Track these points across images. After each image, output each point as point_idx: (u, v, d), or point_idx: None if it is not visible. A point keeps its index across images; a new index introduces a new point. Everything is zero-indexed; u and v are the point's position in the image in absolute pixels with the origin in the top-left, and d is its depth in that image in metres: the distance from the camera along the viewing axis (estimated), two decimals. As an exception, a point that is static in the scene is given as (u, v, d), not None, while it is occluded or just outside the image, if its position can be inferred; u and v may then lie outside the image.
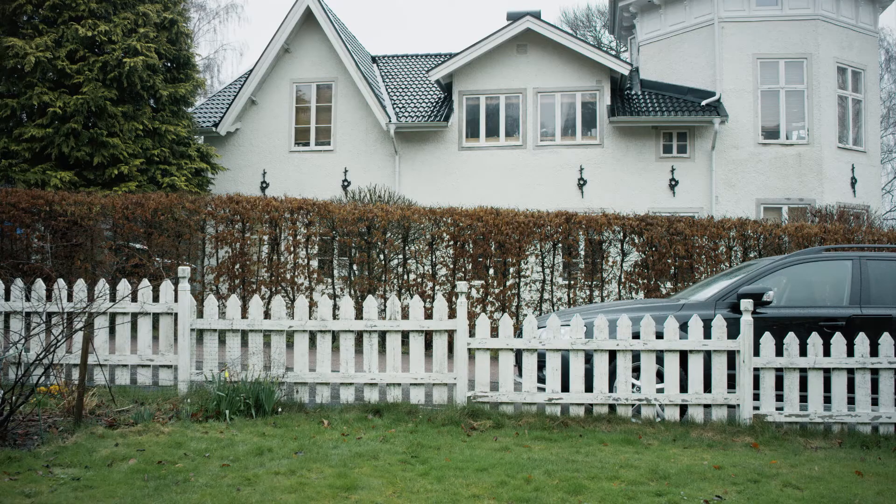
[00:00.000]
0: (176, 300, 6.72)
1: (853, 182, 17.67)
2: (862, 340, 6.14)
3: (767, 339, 6.14)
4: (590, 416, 6.19)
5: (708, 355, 6.24)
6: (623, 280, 12.03)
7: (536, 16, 17.75)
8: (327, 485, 4.24)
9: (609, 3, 21.82)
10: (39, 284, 6.84)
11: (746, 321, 6.10)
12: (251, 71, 18.76)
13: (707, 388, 6.25)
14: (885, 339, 6.13)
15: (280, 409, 6.04)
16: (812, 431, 6.06)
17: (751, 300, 6.16)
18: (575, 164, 17.73)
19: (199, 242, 12.46)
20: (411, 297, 10.76)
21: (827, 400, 6.21)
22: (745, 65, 17.52)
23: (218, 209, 12.28)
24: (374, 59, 21.78)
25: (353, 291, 11.94)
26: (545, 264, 12.04)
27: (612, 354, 6.34)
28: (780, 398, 6.22)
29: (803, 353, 6.22)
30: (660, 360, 6.32)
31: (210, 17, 33.49)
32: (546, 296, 12.03)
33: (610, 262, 12.16)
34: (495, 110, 18.20)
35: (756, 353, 6.17)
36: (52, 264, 11.42)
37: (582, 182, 17.62)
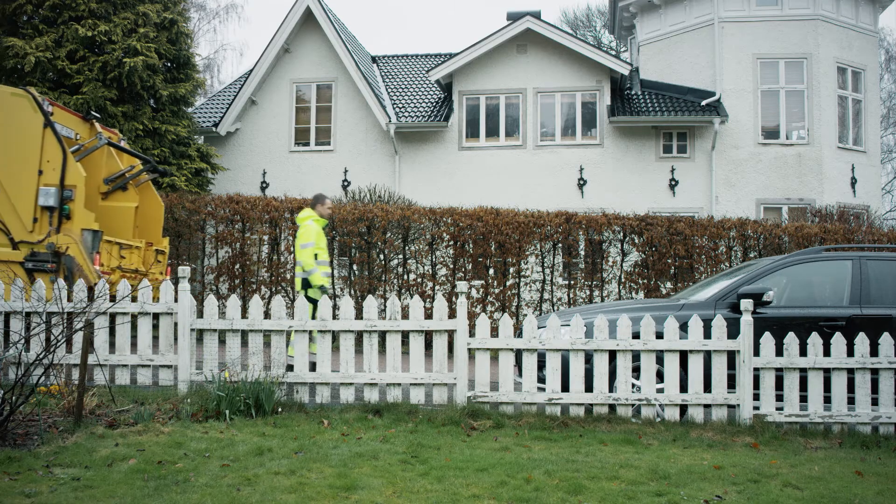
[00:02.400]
0: (176, 300, 6.73)
1: (853, 182, 17.67)
2: (862, 340, 6.14)
3: (767, 339, 6.14)
4: (590, 416, 6.19)
5: (708, 355, 6.24)
6: (623, 280, 12.03)
7: (536, 16, 17.75)
8: (327, 485, 4.24)
9: (609, 3, 21.82)
10: (39, 284, 6.84)
11: (746, 321, 6.10)
12: (251, 71, 18.76)
13: (707, 388, 6.24)
14: (885, 339, 6.13)
15: (280, 409, 6.04)
16: (812, 431, 6.06)
17: (751, 300, 6.16)
18: (575, 164, 17.73)
19: (199, 242, 12.47)
20: (411, 297, 10.76)
21: (827, 400, 6.21)
22: (745, 65, 17.52)
23: (218, 209, 12.29)
24: (374, 59, 21.78)
25: (353, 291, 11.95)
26: (545, 264, 12.05)
27: (612, 354, 6.34)
28: (780, 398, 6.22)
29: (803, 353, 6.22)
30: (660, 360, 6.32)
31: (210, 17, 33.49)
32: (546, 296, 12.03)
33: (610, 262, 12.16)
34: (495, 110, 18.20)
35: (756, 353, 6.17)
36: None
37: (582, 182, 17.62)
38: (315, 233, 8.19)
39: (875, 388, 6.21)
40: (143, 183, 10.60)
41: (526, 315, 11.51)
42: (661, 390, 6.25)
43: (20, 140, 9.00)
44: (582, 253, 12.27)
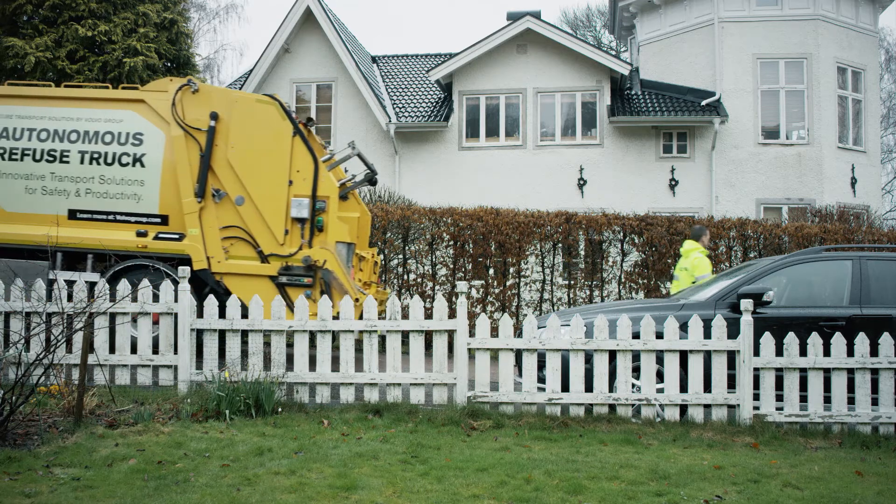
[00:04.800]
0: (176, 300, 6.73)
1: (853, 182, 17.67)
2: (862, 340, 6.14)
3: (767, 339, 6.14)
4: (590, 416, 6.19)
5: (708, 355, 6.24)
6: (623, 280, 12.03)
7: (536, 16, 17.75)
8: (327, 485, 4.24)
9: (609, 3, 21.82)
10: (39, 284, 6.84)
11: (746, 321, 6.10)
12: (251, 71, 18.76)
13: (707, 388, 6.24)
14: (885, 339, 6.13)
15: (280, 409, 6.04)
16: (812, 431, 6.06)
17: (751, 300, 6.16)
18: (575, 164, 17.73)
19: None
20: (411, 297, 10.75)
21: (827, 400, 6.20)
22: (745, 65, 17.51)
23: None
24: (374, 59, 21.78)
25: (353, 291, 11.93)
26: (545, 264, 12.04)
27: (612, 354, 6.33)
28: (780, 398, 6.21)
29: (803, 353, 6.21)
30: (660, 360, 6.32)
31: (210, 17, 33.46)
32: (546, 296, 12.03)
33: (610, 262, 12.16)
34: (495, 110, 18.19)
35: (756, 353, 6.16)
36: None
37: (582, 182, 17.62)
38: (708, 266, 8.88)
39: (875, 388, 6.20)
40: (354, 189, 10.18)
41: (526, 315, 11.51)
42: (661, 390, 6.25)
43: (268, 150, 8.59)
44: (582, 253, 12.26)
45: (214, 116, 8.71)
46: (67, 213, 8.88)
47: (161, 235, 8.75)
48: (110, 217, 8.84)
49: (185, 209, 8.65)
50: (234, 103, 8.80)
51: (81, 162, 8.86)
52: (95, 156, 8.84)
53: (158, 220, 8.81)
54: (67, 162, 8.87)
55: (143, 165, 8.80)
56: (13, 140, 8.97)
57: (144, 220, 8.81)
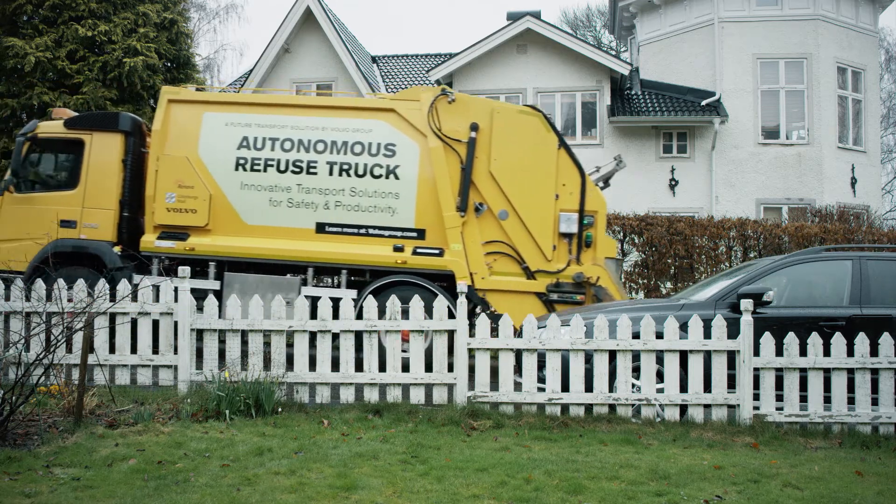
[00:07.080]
0: (176, 300, 6.73)
1: (853, 182, 17.66)
2: (862, 340, 6.14)
3: (767, 339, 6.14)
4: (590, 416, 6.19)
5: (708, 355, 6.24)
6: (623, 280, 12.02)
7: (536, 16, 17.73)
8: (327, 485, 4.24)
9: (609, 3, 21.82)
10: (39, 284, 6.84)
11: (746, 321, 6.10)
12: (251, 71, 18.76)
13: (707, 388, 6.24)
14: (885, 339, 6.13)
15: (280, 409, 6.04)
16: (812, 431, 6.06)
17: (751, 300, 6.16)
18: (575, 164, 17.69)
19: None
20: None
21: (827, 400, 6.20)
22: (745, 65, 17.50)
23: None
24: (374, 59, 21.78)
25: (353, 291, 11.91)
26: (545, 264, 12.03)
27: (612, 354, 6.33)
28: (780, 398, 6.21)
29: (803, 353, 6.21)
30: (660, 360, 6.32)
31: (210, 17, 33.45)
32: (546, 296, 12.01)
33: (610, 262, 12.14)
34: (495, 110, 18.15)
35: (756, 353, 6.16)
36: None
37: (582, 182, 17.58)
38: None
39: (875, 388, 6.20)
40: None
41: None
42: (661, 390, 6.25)
43: (533, 162, 8.35)
44: (582, 253, 12.24)
45: (475, 127, 8.44)
46: (315, 226, 8.59)
47: (419, 250, 8.44)
48: (362, 231, 8.53)
49: (447, 224, 8.35)
50: (495, 114, 8.53)
51: (330, 173, 8.55)
52: (345, 167, 8.54)
53: (414, 234, 8.51)
54: (315, 173, 8.56)
55: (397, 178, 8.50)
56: (255, 150, 8.66)
57: (399, 234, 8.51)
